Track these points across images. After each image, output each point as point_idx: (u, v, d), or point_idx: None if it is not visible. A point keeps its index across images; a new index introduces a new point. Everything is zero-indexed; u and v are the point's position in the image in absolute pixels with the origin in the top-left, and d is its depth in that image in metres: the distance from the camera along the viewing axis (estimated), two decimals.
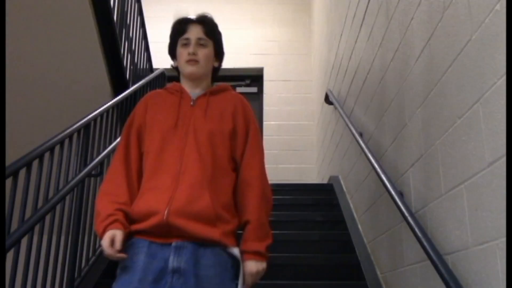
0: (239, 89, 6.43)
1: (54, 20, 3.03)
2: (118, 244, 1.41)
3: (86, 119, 2.71)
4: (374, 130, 2.85)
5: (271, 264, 2.95)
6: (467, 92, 1.56)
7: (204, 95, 1.67)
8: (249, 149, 1.63)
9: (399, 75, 2.33)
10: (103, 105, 3.01)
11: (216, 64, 1.74)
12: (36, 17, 2.98)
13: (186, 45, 1.66)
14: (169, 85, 1.73)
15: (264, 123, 6.15)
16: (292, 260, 3.00)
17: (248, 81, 6.51)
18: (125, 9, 3.94)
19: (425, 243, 1.78)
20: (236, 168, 1.62)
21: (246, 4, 6.64)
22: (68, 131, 2.49)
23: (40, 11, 2.96)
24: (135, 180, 1.58)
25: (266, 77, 6.36)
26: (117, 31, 3.52)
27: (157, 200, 1.47)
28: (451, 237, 1.69)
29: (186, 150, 1.54)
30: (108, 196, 1.52)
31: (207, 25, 1.71)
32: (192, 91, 1.68)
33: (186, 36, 1.66)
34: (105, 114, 3.06)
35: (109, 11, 3.28)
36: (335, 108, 4.14)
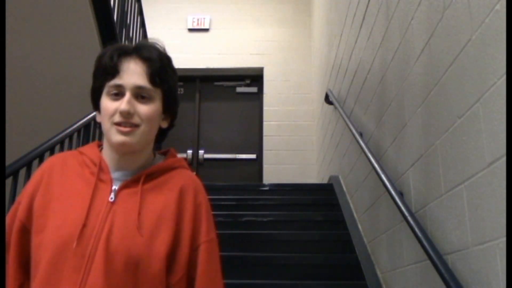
0: (239, 89, 6.44)
1: (54, 20, 3.03)
2: None
3: (86, 119, 2.71)
4: (374, 130, 2.85)
5: (271, 264, 2.97)
6: (467, 92, 1.56)
7: (135, 182, 1.05)
8: (201, 280, 1.03)
9: (399, 75, 2.33)
10: None
11: (164, 125, 1.13)
12: (36, 17, 2.98)
13: (116, 95, 1.04)
14: (85, 149, 1.14)
15: (264, 123, 6.16)
16: (292, 260, 3.00)
17: (248, 81, 6.51)
18: (125, 9, 3.94)
19: (425, 243, 1.78)
20: None
21: (246, 4, 6.64)
22: (68, 130, 2.49)
23: (40, 11, 2.96)
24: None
25: (266, 77, 6.36)
26: (117, 31, 3.52)
27: None
28: (451, 237, 1.69)
29: (89, 283, 0.94)
30: None
31: (154, 63, 1.06)
32: (117, 170, 1.07)
33: (117, 81, 1.04)
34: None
35: (109, 11, 3.29)
36: (335, 108, 4.14)
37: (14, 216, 1.06)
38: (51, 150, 2.33)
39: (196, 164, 6.05)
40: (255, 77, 6.47)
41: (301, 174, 5.90)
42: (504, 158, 1.30)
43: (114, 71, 1.04)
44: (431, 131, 1.89)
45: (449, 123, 1.71)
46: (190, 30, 6.41)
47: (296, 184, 4.72)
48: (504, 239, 1.30)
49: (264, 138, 6.09)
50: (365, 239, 3.12)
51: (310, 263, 2.98)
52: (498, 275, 1.35)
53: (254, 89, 6.48)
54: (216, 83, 6.41)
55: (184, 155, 6.06)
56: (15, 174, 2.03)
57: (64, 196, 1.03)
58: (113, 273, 0.95)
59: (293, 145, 6.08)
